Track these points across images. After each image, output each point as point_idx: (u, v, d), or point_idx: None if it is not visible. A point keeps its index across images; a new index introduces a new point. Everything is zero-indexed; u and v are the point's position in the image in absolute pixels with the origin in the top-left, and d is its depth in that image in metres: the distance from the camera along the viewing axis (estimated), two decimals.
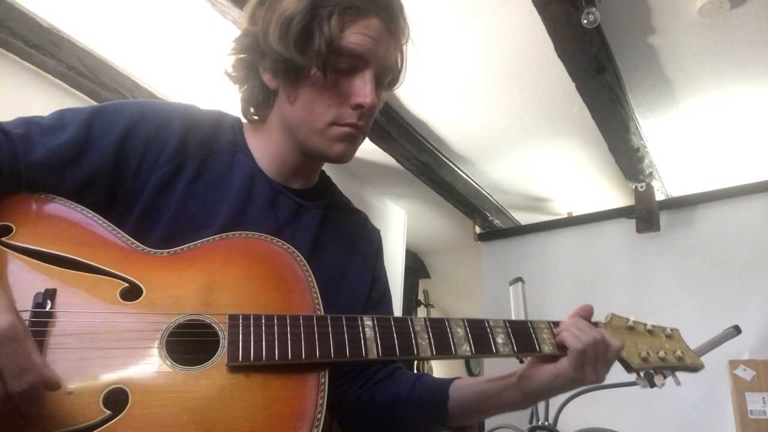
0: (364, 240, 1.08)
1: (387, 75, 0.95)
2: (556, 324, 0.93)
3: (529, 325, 0.91)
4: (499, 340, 0.87)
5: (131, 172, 0.87)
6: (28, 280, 0.71)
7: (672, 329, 1.06)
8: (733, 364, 2.56)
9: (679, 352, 1.02)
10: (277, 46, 0.88)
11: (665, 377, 1.01)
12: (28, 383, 0.58)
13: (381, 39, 0.90)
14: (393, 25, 0.92)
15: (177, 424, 0.67)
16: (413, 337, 0.82)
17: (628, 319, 1.02)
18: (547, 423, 2.03)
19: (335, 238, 1.01)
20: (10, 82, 2.30)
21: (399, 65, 0.98)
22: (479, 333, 0.86)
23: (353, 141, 0.93)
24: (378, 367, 1.01)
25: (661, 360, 0.99)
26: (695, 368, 1.04)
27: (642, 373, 0.99)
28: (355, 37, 0.88)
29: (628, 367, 0.97)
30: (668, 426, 2.88)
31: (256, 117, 1.00)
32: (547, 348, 0.90)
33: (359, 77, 0.90)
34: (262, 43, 0.91)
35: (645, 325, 1.03)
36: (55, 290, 0.71)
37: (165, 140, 0.89)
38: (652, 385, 1.56)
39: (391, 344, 0.80)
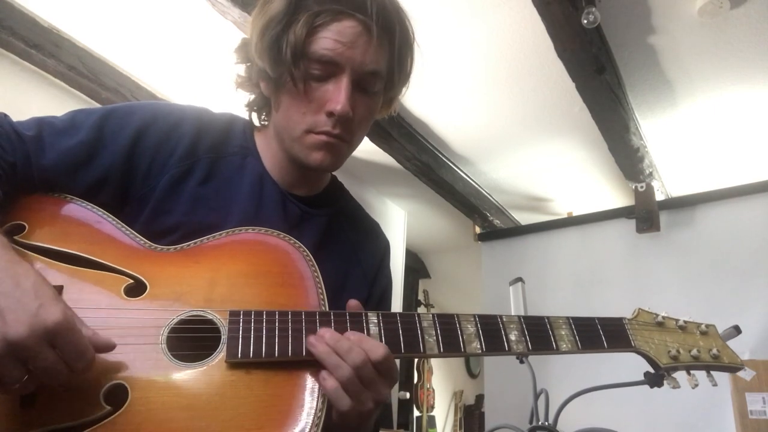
0: (368, 250, 1.06)
1: (372, 80, 0.89)
2: (577, 321, 0.89)
3: (546, 321, 0.88)
4: (513, 337, 0.84)
5: (142, 173, 0.87)
6: None
7: (708, 325, 0.99)
8: None
9: (714, 350, 0.95)
10: (255, 56, 0.88)
11: (704, 376, 0.94)
12: (88, 360, 0.65)
13: (357, 42, 0.85)
14: (375, 27, 0.86)
15: (175, 420, 0.67)
16: (420, 333, 0.80)
17: (657, 315, 0.97)
18: (547, 423, 2.03)
19: (339, 247, 1.00)
20: (10, 82, 2.30)
21: (393, 68, 0.93)
22: (491, 330, 0.84)
23: (331, 149, 0.90)
24: None
25: (693, 358, 0.93)
26: (734, 367, 0.96)
27: (672, 373, 0.92)
28: (323, 42, 0.84)
29: (657, 367, 0.92)
30: (668, 426, 2.88)
31: (258, 123, 1.00)
32: (566, 346, 0.86)
33: (333, 83, 0.86)
34: (250, 53, 0.90)
35: (677, 321, 0.97)
36: (61, 287, 0.72)
37: (176, 142, 0.90)
38: (656, 383, 1.55)
39: (395, 341, 0.79)
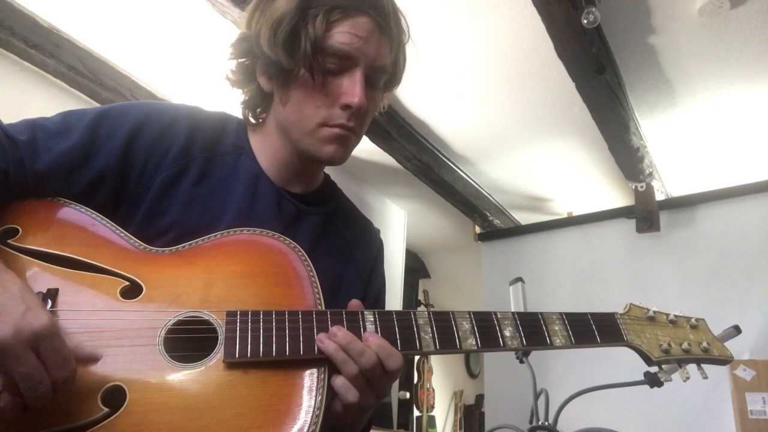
0: (363, 250, 1.07)
1: (380, 75, 0.93)
2: (569, 316, 0.90)
3: (540, 317, 0.89)
4: (507, 333, 0.85)
5: (136, 173, 0.87)
6: (31, 281, 0.72)
7: (697, 319, 1.01)
8: (733, 364, 2.55)
9: (705, 344, 0.97)
10: (267, 49, 0.88)
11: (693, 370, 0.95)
12: (70, 371, 0.64)
13: (371, 38, 0.88)
14: (385, 24, 0.89)
15: (174, 421, 0.67)
16: (416, 330, 0.81)
17: (648, 309, 0.98)
18: (547, 423, 2.02)
19: (334, 246, 1.01)
20: (10, 82, 2.30)
21: (396, 65, 0.96)
22: (486, 326, 0.85)
23: (344, 142, 0.92)
24: None
25: (684, 352, 0.95)
26: (724, 360, 0.98)
27: (664, 366, 0.94)
28: (341, 36, 0.86)
29: (648, 360, 0.93)
30: (668, 426, 2.88)
31: (254, 120, 1.01)
32: (559, 341, 0.87)
33: (348, 77, 0.88)
34: (254, 47, 0.91)
35: (667, 315, 0.99)
36: (57, 290, 0.72)
37: (169, 142, 0.90)
38: (655, 385, 1.55)
39: (392, 338, 0.79)
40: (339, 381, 0.76)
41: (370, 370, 0.75)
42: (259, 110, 1.00)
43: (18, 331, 0.60)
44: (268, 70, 0.92)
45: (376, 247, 1.11)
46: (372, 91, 0.93)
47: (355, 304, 0.84)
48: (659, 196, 3.37)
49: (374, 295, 1.05)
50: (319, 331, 0.77)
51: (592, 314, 0.93)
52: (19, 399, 0.61)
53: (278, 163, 0.97)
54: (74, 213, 0.82)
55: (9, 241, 0.75)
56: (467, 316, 0.85)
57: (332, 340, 0.76)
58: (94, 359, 0.67)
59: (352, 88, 0.88)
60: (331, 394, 0.78)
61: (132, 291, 0.76)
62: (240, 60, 0.96)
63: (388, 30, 0.90)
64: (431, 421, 5.37)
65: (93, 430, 0.65)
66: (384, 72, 0.93)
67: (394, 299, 3.91)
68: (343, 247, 1.02)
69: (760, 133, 3.09)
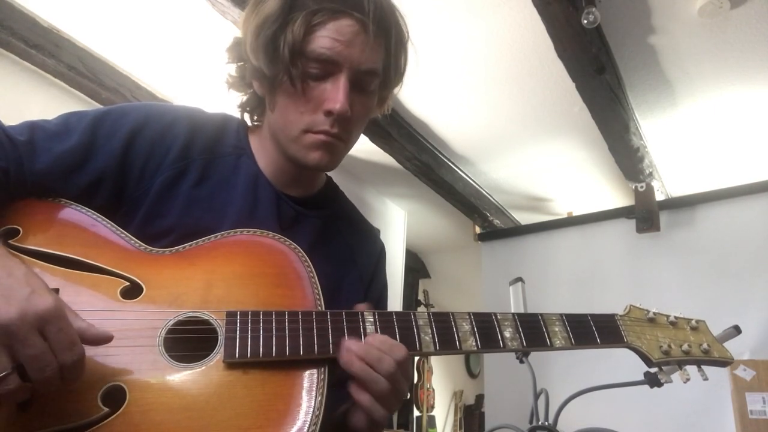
0: (364, 253, 1.06)
1: (369, 79, 0.89)
2: (570, 317, 0.90)
3: (540, 318, 0.89)
4: (507, 335, 0.85)
5: (136, 175, 0.87)
6: None
7: (698, 321, 1.01)
8: (733, 364, 2.55)
9: (705, 345, 0.97)
10: (250, 55, 0.87)
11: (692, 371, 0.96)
12: (78, 354, 0.63)
13: (355, 41, 0.85)
14: (374, 26, 0.86)
15: (173, 421, 0.67)
16: (416, 331, 0.81)
17: (648, 311, 0.98)
18: (547, 423, 2.02)
19: (334, 249, 1.00)
20: (10, 82, 2.30)
21: (391, 67, 0.93)
22: (486, 327, 0.85)
23: (329, 149, 0.89)
24: None
25: (684, 353, 0.95)
26: (724, 361, 0.98)
27: (664, 368, 0.94)
28: (322, 40, 0.84)
29: (648, 362, 0.93)
30: (668, 426, 2.88)
31: (252, 123, 1.00)
32: (559, 342, 0.87)
33: (331, 82, 0.86)
34: (243, 52, 0.90)
35: (667, 316, 0.99)
36: (57, 290, 0.72)
37: (169, 143, 0.89)
38: (654, 385, 1.55)
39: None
40: (365, 399, 0.76)
41: (393, 374, 0.75)
42: (255, 114, 0.99)
43: (23, 313, 0.60)
44: (257, 75, 0.91)
45: (378, 251, 1.10)
46: (361, 96, 0.90)
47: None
48: (659, 196, 3.37)
49: (375, 299, 1.05)
50: (318, 332, 0.77)
51: (593, 315, 0.93)
52: (27, 384, 0.61)
53: (275, 166, 0.96)
54: (75, 213, 0.82)
55: (10, 241, 0.75)
56: (467, 317, 0.85)
57: (352, 354, 0.75)
58: (106, 339, 0.67)
59: (334, 93, 0.85)
60: (332, 399, 0.78)
61: (132, 291, 0.76)
62: (237, 64, 0.95)
63: (377, 32, 0.87)
64: (431, 421, 5.37)
65: (93, 429, 0.65)
66: (374, 76, 0.90)
67: (394, 299, 3.91)
68: (344, 250, 1.02)
69: (760, 133, 3.09)
